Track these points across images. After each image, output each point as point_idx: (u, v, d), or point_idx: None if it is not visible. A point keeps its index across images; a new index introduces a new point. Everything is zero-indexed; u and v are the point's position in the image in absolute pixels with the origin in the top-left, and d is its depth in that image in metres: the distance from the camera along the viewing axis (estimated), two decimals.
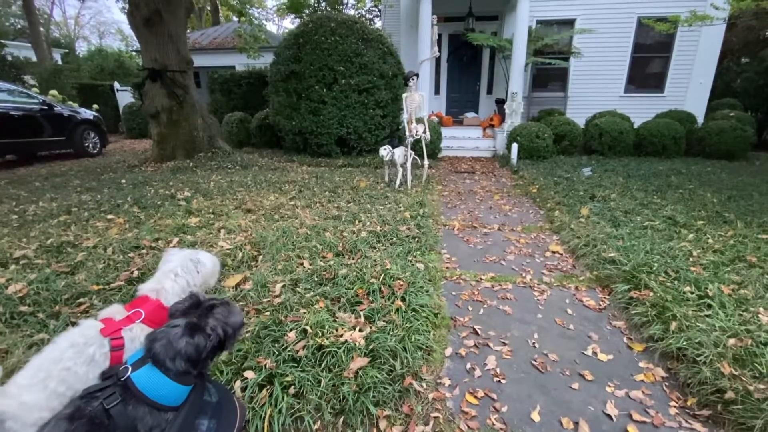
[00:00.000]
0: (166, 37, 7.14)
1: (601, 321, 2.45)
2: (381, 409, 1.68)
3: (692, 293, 2.42)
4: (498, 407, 1.75)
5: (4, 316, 2.21)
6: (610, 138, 7.93)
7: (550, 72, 10.16)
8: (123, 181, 5.89)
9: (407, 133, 5.44)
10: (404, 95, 5.38)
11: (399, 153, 5.39)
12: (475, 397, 1.81)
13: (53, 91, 13.07)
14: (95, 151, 9.48)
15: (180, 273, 1.39)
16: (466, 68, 10.87)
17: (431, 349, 2.06)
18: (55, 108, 8.53)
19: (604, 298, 2.70)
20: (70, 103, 11.84)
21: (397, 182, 5.45)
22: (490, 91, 10.99)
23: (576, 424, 1.66)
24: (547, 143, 7.68)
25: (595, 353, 2.12)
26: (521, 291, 2.81)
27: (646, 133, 7.98)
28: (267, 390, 1.67)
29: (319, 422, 1.61)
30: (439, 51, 8.52)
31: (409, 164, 5.46)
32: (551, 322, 2.43)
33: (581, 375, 1.95)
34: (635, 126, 8.29)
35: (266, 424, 1.55)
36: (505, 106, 8.72)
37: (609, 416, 1.70)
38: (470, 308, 2.57)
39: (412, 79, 5.36)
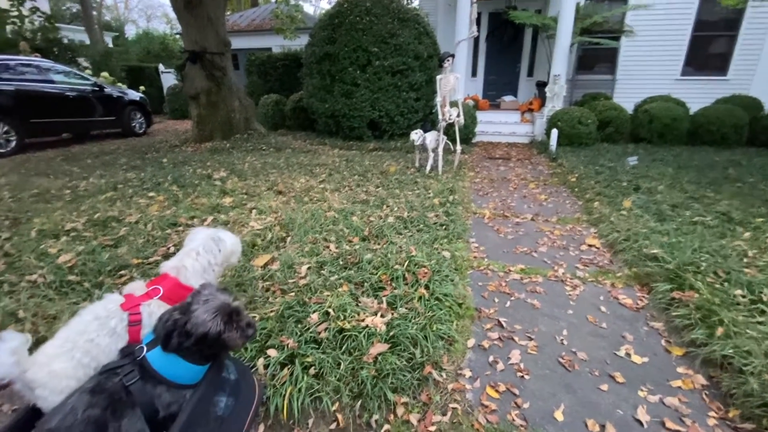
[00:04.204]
0: (205, 20, 7.29)
1: (638, 321, 2.31)
2: (399, 396, 1.68)
3: (744, 297, 2.22)
4: (519, 403, 1.70)
5: (54, 284, 2.39)
6: (661, 125, 7.36)
7: (597, 53, 9.49)
8: (164, 160, 6.16)
9: (440, 117, 5.29)
10: (438, 77, 5.21)
11: (430, 137, 5.27)
12: (497, 390, 1.77)
13: (104, 73, 13.79)
14: (141, 131, 9.97)
15: (201, 252, 1.42)
16: (506, 49, 10.37)
17: (453, 339, 2.03)
18: (105, 89, 9.00)
19: (643, 297, 2.54)
20: (120, 84, 12.46)
21: (428, 168, 5.35)
22: (530, 74, 10.46)
23: (602, 427, 1.58)
24: (590, 129, 7.25)
25: (628, 354, 2.01)
26: (552, 285, 2.70)
27: (703, 120, 7.34)
28: (288, 369, 1.71)
29: (337, 404, 1.64)
30: (478, 31, 8.16)
31: (440, 149, 5.33)
32: (582, 319, 2.32)
33: (611, 376, 1.86)
34: (691, 112, 7.63)
35: (286, 402, 1.59)
36: (546, 90, 8.27)
37: (639, 422, 1.61)
38: (496, 300, 2.50)
39: (448, 60, 5.17)
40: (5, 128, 6.98)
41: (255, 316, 2.05)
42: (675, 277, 2.50)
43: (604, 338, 2.15)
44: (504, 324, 2.25)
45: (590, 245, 3.30)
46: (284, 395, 1.61)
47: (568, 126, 7.19)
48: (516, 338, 2.13)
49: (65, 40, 15.95)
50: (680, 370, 1.90)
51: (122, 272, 2.56)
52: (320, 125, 8.38)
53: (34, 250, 2.81)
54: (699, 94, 8.62)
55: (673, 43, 8.99)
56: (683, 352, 2.02)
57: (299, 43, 10.96)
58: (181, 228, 3.31)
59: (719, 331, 1.96)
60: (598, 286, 2.67)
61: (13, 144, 7.11)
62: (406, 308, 2.14)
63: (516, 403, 1.71)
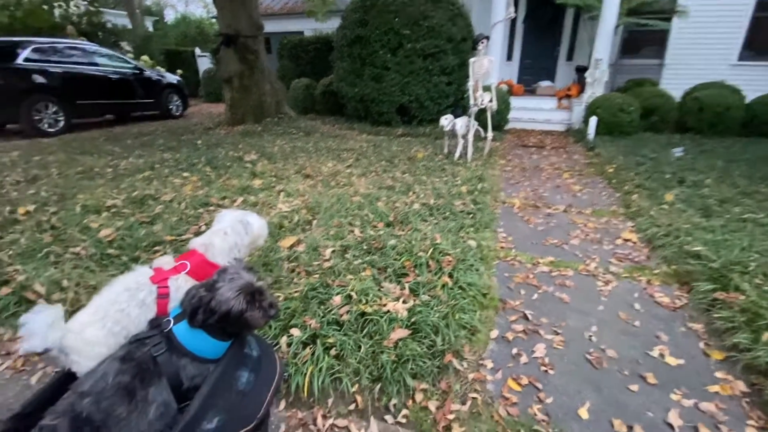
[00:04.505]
0: (238, 3, 7.35)
1: (674, 321, 2.18)
2: (418, 382, 1.68)
3: None
4: (542, 397, 1.66)
5: (95, 257, 2.53)
6: (712, 114, 6.84)
7: (644, 35, 8.88)
8: (199, 142, 6.35)
9: (471, 102, 5.14)
10: (471, 60, 5.04)
11: (461, 123, 5.13)
12: (519, 383, 1.73)
13: (145, 57, 14.31)
14: (178, 114, 10.31)
15: (229, 232, 1.45)
16: (545, 31, 9.87)
17: (476, 329, 2.00)
18: (145, 72, 9.33)
19: (681, 296, 2.40)
20: (159, 68, 12.87)
21: (457, 154, 5.23)
22: (570, 58, 9.94)
23: (630, 428, 1.52)
24: (632, 118, 6.84)
25: (662, 355, 1.91)
26: (583, 279, 2.59)
27: (760, 109, 6.76)
28: (310, 349, 1.74)
29: (356, 385, 1.65)
30: (516, 12, 7.80)
31: (470, 135, 5.20)
32: (614, 315, 2.22)
33: (642, 377, 1.77)
34: (747, 101, 7.03)
35: (307, 380, 1.63)
36: (587, 75, 7.85)
37: (670, 426, 1.53)
38: (523, 292, 2.43)
39: (482, 43, 4.98)
40: (54, 109, 7.40)
41: (279, 296, 2.10)
42: (719, 276, 2.34)
43: (636, 337, 2.05)
44: (529, 317, 2.19)
45: (626, 240, 3.14)
46: (305, 374, 1.64)
47: (608, 114, 6.81)
48: (541, 332, 2.07)
49: (109, 25, 16.59)
50: (719, 374, 1.79)
51: (157, 248, 2.67)
52: (349, 110, 8.36)
53: (78, 224, 2.98)
54: (758, 81, 7.90)
55: (731, 24, 8.25)
56: (723, 356, 1.89)
57: (331, 26, 10.90)
58: (212, 208, 3.41)
59: (766, 336, 1.82)
60: (633, 283, 2.55)
61: (62, 124, 7.53)
62: (428, 296, 2.12)
63: (539, 397, 1.67)
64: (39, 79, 7.12)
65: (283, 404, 1.64)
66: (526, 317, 2.19)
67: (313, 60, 11.66)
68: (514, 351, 1.93)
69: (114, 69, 8.62)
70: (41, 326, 0.90)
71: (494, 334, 2.05)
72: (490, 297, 2.30)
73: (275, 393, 1.14)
